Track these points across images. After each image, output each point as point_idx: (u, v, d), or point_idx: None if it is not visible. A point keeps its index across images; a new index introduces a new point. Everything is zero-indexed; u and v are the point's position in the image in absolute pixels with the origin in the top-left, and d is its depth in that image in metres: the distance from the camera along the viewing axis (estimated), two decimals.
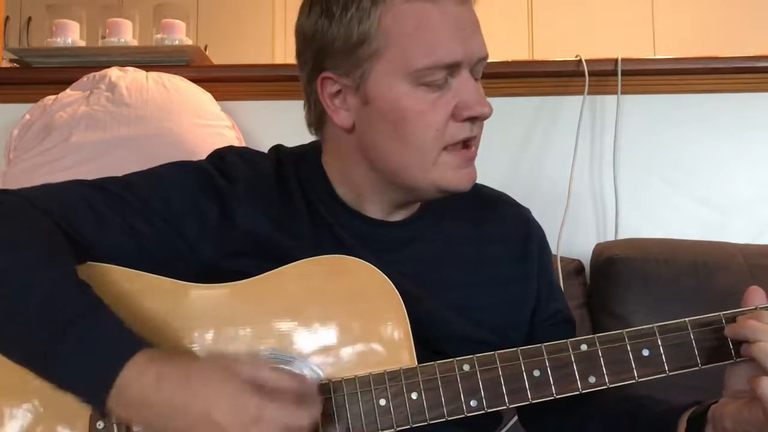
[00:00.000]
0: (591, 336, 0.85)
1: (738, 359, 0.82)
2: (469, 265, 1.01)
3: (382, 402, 0.82)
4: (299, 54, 0.98)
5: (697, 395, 0.91)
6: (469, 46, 0.91)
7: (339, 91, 0.93)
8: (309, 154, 1.03)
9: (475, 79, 0.93)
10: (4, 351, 0.80)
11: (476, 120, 0.93)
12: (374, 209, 0.99)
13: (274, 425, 0.73)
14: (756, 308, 0.83)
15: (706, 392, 0.89)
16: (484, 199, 1.09)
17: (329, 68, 0.92)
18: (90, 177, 0.97)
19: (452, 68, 0.90)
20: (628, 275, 1.54)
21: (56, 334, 0.76)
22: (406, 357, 0.85)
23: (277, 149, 1.05)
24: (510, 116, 1.81)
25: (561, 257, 1.64)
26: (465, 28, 0.91)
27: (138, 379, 0.74)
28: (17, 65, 1.94)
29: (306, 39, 0.95)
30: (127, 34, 1.94)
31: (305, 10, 0.95)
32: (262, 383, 0.75)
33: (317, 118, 0.99)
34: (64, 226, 0.89)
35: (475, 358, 0.84)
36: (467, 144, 0.93)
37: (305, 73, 0.97)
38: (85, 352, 0.75)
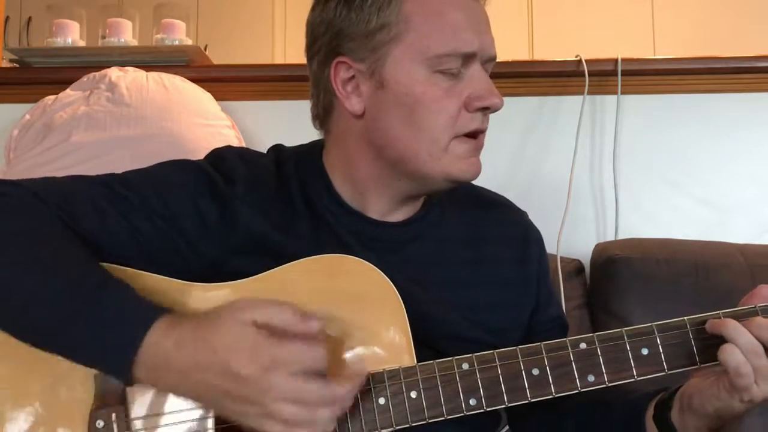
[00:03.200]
0: (590, 335, 0.85)
1: None
2: (467, 265, 1.02)
3: (381, 401, 0.82)
4: (310, 45, 0.99)
5: None
6: (483, 40, 0.94)
7: (352, 77, 0.94)
8: (309, 154, 1.03)
9: None
10: (21, 334, 0.81)
11: (487, 111, 0.94)
12: (375, 207, 0.99)
13: (291, 367, 0.74)
14: (755, 307, 0.84)
15: None
16: (482, 201, 1.10)
17: (345, 53, 0.94)
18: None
19: (467, 58, 0.92)
20: (628, 275, 1.53)
21: (76, 310, 0.77)
22: (406, 356, 0.85)
23: (277, 149, 1.05)
24: (510, 116, 1.80)
25: (561, 257, 1.64)
26: (480, 23, 0.94)
27: (159, 344, 0.76)
28: (17, 65, 1.93)
29: (320, 27, 0.96)
30: (127, 34, 1.94)
31: (320, 2, 0.97)
32: (271, 324, 0.76)
33: (325, 108, 0.99)
34: (66, 220, 0.89)
35: (474, 357, 0.84)
36: (475, 136, 0.95)
37: (316, 61, 0.97)
38: (107, 324, 0.77)
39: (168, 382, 0.78)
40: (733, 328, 0.81)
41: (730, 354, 0.80)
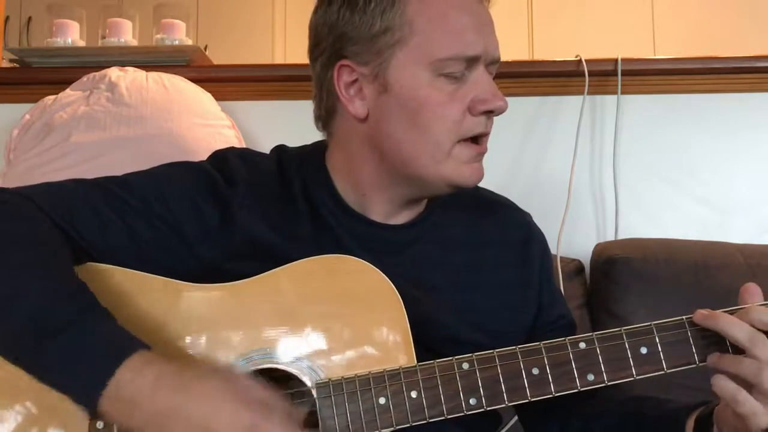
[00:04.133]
0: (589, 334, 0.85)
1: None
2: (469, 268, 1.01)
3: (382, 401, 0.82)
4: (312, 48, 0.98)
5: (693, 393, 0.91)
6: (488, 42, 0.93)
7: (355, 81, 0.94)
8: (312, 155, 1.02)
9: None
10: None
11: (491, 115, 0.94)
12: (377, 210, 0.99)
13: None
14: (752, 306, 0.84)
15: (702, 391, 0.89)
16: (485, 203, 1.09)
17: (348, 56, 0.93)
18: (90, 177, 0.97)
19: (471, 62, 0.91)
20: (628, 275, 1.54)
21: (51, 334, 0.75)
22: (406, 356, 0.85)
23: (280, 150, 1.05)
24: (510, 116, 1.78)
25: (561, 257, 1.64)
26: (485, 25, 0.94)
27: (133, 381, 0.73)
28: (17, 65, 1.94)
29: (323, 29, 0.95)
30: (127, 34, 1.94)
31: (323, 4, 0.96)
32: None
33: (327, 111, 0.99)
34: (65, 227, 0.89)
35: (474, 357, 0.84)
36: (478, 141, 0.94)
37: (319, 63, 0.97)
38: (79, 353, 0.75)
39: (134, 421, 0.74)
40: (732, 360, 0.81)
41: (719, 386, 0.80)
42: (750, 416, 0.79)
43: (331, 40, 0.94)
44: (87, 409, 0.75)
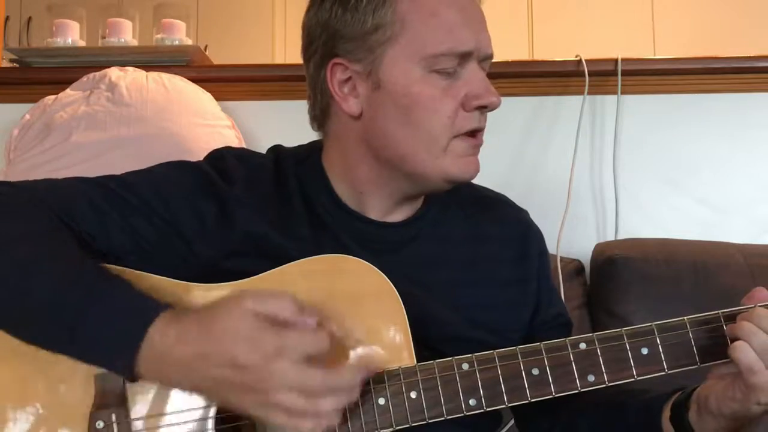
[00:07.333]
0: (590, 335, 0.85)
1: None
2: (467, 265, 1.02)
3: (381, 401, 0.82)
4: (306, 47, 0.99)
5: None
6: (480, 38, 0.93)
7: (349, 78, 0.94)
8: (308, 154, 1.03)
9: None
10: (22, 335, 0.82)
11: (485, 110, 0.94)
12: (374, 208, 0.99)
13: (296, 352, 0.74)
14: (754, 307, 0.84)
15: None
16: (482, 200, 1.10)
17: (340, 54, 0.93)
18: (90, 176, 0.97)
19: (464, 57, 0.92)
20: (628, 275, 1.53)
21: (76, 308, 0.78)
22: (405, 356, 0.85)
23: (276, 150, 1.05)
24: (510, 116, 1.80)
25: (561, 257, 1.64)
26: (476, 21, 0.94)
27: (162, 339, 0.76)
28: (17, 65, 1.93)
29: (316, 28, 0.96)
30: (127, 34, 1.94)
31: (315, 3, 0.96)
32: (270, 314, 0.76)
33: (322, 110, 0.99)
34: (66, 221, 0.89)
35: (474, 357, 0.84)
36: (473, 134, 0.95)
37: (313, 63, 0.97)
38: (107, 320, 0.77)
39: (170, 377, 0.77)
40: (747, 329, 0.81)
41: (741, 351, 0.80)
42: (759, 389, 0.79)
43: (323, 39, 0.95)
44: (124, 373, 0.78)
